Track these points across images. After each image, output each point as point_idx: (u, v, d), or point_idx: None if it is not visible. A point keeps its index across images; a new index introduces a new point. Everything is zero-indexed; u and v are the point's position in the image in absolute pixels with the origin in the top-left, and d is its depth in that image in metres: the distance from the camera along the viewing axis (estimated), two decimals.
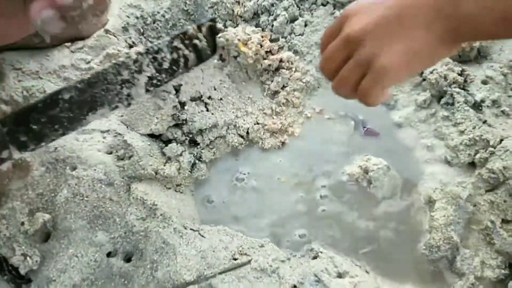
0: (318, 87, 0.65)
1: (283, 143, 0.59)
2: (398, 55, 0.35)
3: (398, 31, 0.35)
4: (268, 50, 0.63)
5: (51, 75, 0.58)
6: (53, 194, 0.48)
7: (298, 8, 0.66)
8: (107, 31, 0.63)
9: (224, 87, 0.62)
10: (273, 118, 0.61)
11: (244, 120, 0.59)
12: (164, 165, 0.53)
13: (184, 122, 0.55)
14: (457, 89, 0.58)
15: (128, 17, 0.65)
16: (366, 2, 0.38)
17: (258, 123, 0.60)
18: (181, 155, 0.54)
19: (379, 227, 0.51)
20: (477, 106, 0.58)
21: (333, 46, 0.39)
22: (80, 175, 0.49)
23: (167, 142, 0.55)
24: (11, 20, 0.41)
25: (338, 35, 0.39)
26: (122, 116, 0.56)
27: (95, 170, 0.49)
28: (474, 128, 0.55)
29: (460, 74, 0.60)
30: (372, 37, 0.36)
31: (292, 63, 0.63)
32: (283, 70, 0.62)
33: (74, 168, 0.49)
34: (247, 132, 0.58)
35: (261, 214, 0.53)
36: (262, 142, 0.59)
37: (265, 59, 0.63)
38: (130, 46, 0.64)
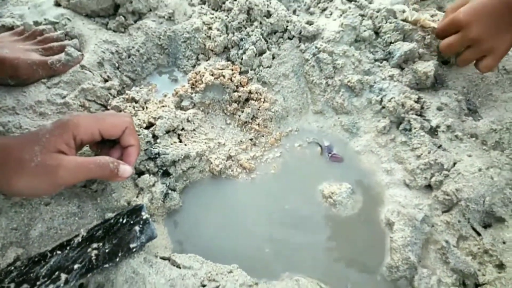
0: (287, 116, 0.69)
1: (252, 174, 0.62)
2: (507, 43, 0.60)
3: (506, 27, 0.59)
4: (238, 82, 0.67)
5: (27, 111, 0.60)
6: (27, 229, 0.49)
7: (266, 42, 0.70)
8: (82, 67, 0.65)
9: (197, 118, 0.65)
10: (245, 151, 0.64)
11: (217, 156, 0.61)
12: (137, 197, 0.54)
13: (157, 155, 0.57)
14: (414, 116, 0.62)
15: (103, 52, 0.68)
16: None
17: (230, 157, 0.62)
18: (153, 185, 0.56)
19: (342, 249, 0.54)
20: (432, 131, 0.62)
21: (455, 40, 0.63)
22: (54, 209, 0.50)
23: (140, 174, 0.57)
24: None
25: (452, 32, 0.63)
26: None
27: (69, 203, 0.51)
28: (429, 152, 0.59)
29: (417, 101, 0.64)
30: (488, 36, 0.60)
31: (260, 94, 0.66)
32: (252, 101, 0.66)
33: (48, 204, 0.51)
34: (220, 172, 0.61)
35: (231, 241, 0.55)
36: (233, 179, 0.62)
37: (235, 91, 0.67)
38: (105, 80, 0.67)
